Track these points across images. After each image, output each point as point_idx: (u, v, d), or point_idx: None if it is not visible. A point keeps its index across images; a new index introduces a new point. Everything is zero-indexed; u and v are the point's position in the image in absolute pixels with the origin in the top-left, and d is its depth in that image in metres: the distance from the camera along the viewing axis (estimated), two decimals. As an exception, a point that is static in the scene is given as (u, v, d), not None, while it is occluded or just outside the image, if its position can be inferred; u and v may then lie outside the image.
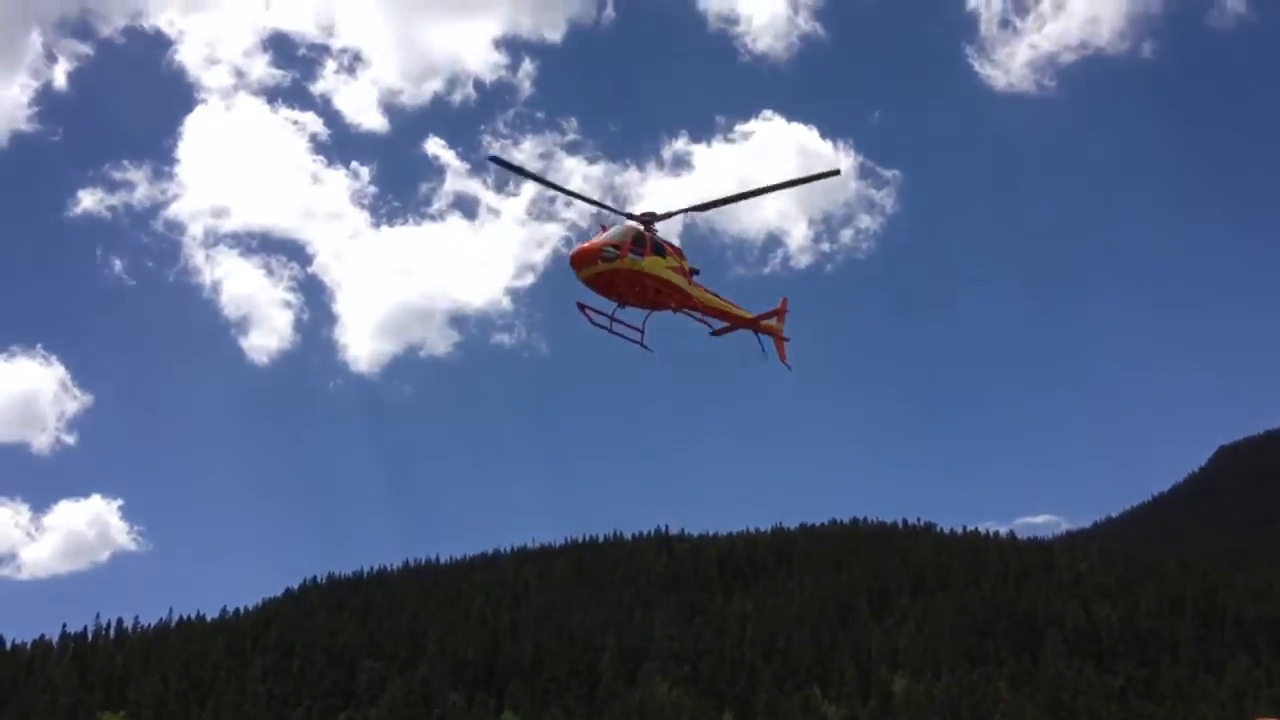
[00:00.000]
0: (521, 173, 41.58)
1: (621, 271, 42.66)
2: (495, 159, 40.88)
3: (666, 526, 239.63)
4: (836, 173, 38.63)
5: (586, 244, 42.86)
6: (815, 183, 39.70)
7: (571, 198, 42.00)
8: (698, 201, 43.07)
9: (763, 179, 63.21)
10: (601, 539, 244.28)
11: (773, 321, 51.01)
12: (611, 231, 43.05)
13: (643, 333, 43.96)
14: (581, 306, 43.76)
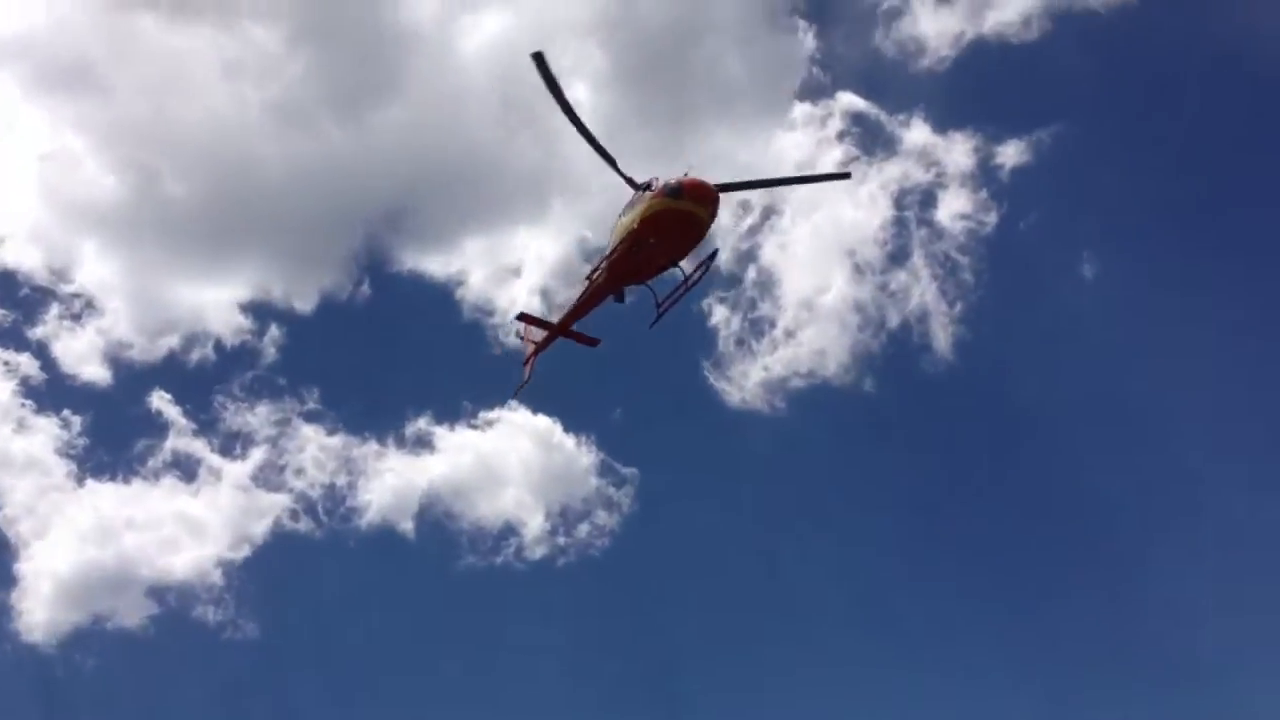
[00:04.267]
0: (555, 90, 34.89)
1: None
2: (538, 57, 32.41)
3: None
4: (848, 175, 36.15)
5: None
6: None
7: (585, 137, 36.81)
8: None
9: (503, 465, 62.40)
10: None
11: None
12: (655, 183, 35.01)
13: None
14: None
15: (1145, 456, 58.33)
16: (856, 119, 66.54)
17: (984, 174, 64.15)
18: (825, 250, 66.24)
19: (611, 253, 35.06)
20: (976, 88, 66.91)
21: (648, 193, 33.87)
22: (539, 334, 39.74)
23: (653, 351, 69.98)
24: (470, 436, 66.85)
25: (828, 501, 63.33)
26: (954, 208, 64.11)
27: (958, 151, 64.62)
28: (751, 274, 66.65)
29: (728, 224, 67.81)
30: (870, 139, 66.70)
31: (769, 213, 67.28)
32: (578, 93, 70.30)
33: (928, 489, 63.08)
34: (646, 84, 70.12)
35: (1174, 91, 64.14)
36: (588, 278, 36.96)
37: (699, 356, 66.70)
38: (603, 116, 69.81)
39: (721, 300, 67.18)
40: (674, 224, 33.48)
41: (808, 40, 68.36)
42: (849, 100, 66.94)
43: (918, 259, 64.15)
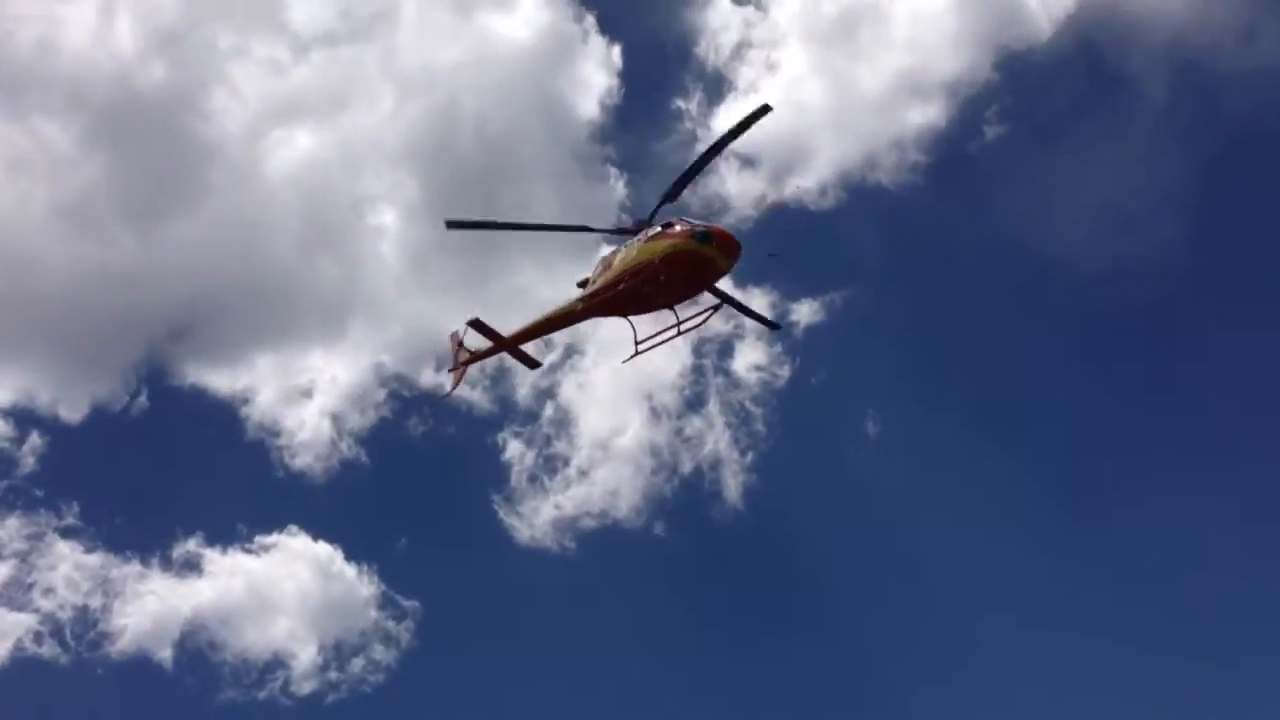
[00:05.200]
0: (485, 226, 36.05)
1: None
2: (453, 223, 32.09)
3: None
4: (768, 109, 33.07)
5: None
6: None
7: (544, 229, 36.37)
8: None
9: (277, 592, 61.17)
10: None
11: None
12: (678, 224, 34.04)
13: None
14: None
15: (920, 607, 60.17)
16: (444, 399, 68.39)
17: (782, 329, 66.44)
18: (624, 392, 67.00)
19: (613, 282, 34.34)
20: (777, 246, 69.91)
21: (670, 230, 33.36)
22: (478, 343, 38.61)
23: (444, 481, 68.67)
24: (243, 561, 63.51)
25: (611, 646, 62.56)
26: (750, 359, 66.11)
27: (756, 306, 66.68)
28: (549, 410, 66.65)
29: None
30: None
31: (571, 351, 67.78)
32: (386, 218, 70.23)
33: (712, 637, 63.21)
34: (455, 214, 70.18)
35: (953, 265, 68.60)
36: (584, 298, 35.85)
37: (490, 490, 65.80)
38: (410, 243, 70.00)
39: (517, 435, 66.75)
40: (694, 268, 33.14)
41: (618, 188, 70.30)
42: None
43: (713, 407, 65.60)
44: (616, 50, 71.46)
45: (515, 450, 66.27)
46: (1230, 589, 56.59)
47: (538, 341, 39.50)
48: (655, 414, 65.82)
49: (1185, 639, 56.51)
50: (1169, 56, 62.89)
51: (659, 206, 34.03)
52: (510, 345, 38.01)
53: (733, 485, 63.76)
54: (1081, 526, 60.64)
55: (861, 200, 67.63)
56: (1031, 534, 60.03)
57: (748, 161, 68.82)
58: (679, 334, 34.77)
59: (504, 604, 64.84)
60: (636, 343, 34.95)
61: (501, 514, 64.94)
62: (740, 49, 70.75)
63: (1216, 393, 62.64)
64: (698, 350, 66.56)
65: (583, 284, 36.72)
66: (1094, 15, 64.56)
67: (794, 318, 66.28)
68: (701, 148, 33.76)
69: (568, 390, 67.21)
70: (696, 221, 33.47)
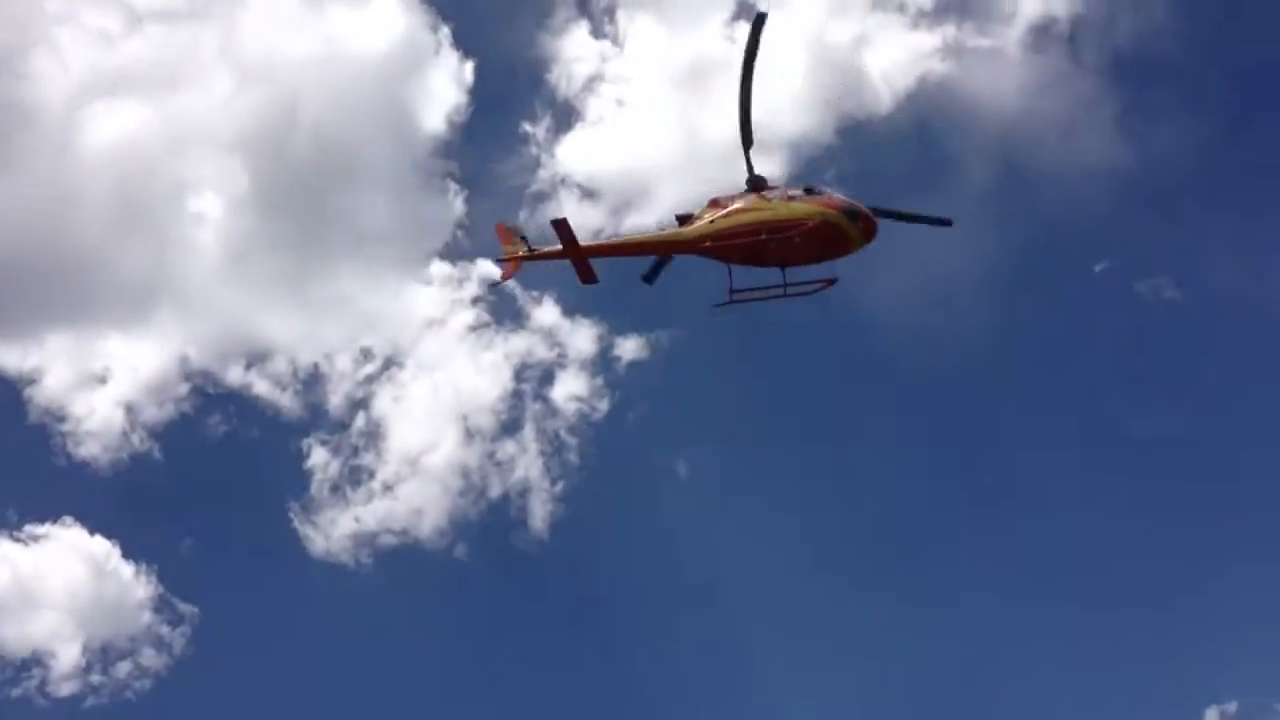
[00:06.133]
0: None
1: None
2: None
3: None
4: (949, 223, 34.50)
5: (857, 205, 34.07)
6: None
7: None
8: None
9: (44, 587, 58.16)
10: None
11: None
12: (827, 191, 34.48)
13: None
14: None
15: (711, 650, 60.39)
16: (493, 287, 67.56)
17: (602, 362, 66.46)
18: (440, 410, 65.60)
19: (747, 230, 33.63)
20: (608, 280, 69.96)
21: (820, 196, 33.62)
22: (528, 245, 36.67)
23: (239, 484, 65.73)
24: (9, 549, 59.30)
25: (398, 669, 60.61)
26: (570, 389, 65.74)
27: (582, 337, 66.83)
28: (360, 421, 64.69)
29: (346, 369, 66.26)
30: (502, 309, 67.77)
31: (390, 363, 66.25)
32: (208, 206, 67.48)
33: (502, 665, 62.01)
34: (284, 211, 68.22)
35: (776, 316, 69.72)
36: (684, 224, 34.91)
37: (287, 497, 63.32)
38: (232, 234, 67.34)
39: (323, 443, 64.54)
40: (834, 241, 33.33)
41: (457, 204, 69.32)
42: (488, 268, 67.69)
43: (529, 433, 64.88)
44: (469, 66, 70.61)
45: (319, 458, 64.10)
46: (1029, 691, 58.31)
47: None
48: (469, 434, 64.71)
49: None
50: (998, 143, 65.93)
51: (747, 151, 34.21)
52: (582, 255, 35.99)
53: (539, 513, 63.05)
54: (882, 581, 61.95)
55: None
56: (832, 589, 61.10)
57: (589, 193, 69.09)
58: (784, 296, 34.42)
59: (289, 617, 62.31)
60: (732, 290, 34.49)
61: (297, 523, 62.58)
62: (593, 81, 71.05)
63: (1007, 461, 64.98)
64: (518, 375, 65.90)
65: (683, 219, 35.81)
66: (932, 96, 67.32)
67: (618, 353, 66.39)
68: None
69: (382, 402, 65.50)
70: (841, 196, 33.76)
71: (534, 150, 70.70)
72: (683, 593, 61.52)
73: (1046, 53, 65.83)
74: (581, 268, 36.48)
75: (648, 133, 69.88)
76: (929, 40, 68.22)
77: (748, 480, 64.14)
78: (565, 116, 71.37)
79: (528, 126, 71.08)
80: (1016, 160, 64.11)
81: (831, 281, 34.39)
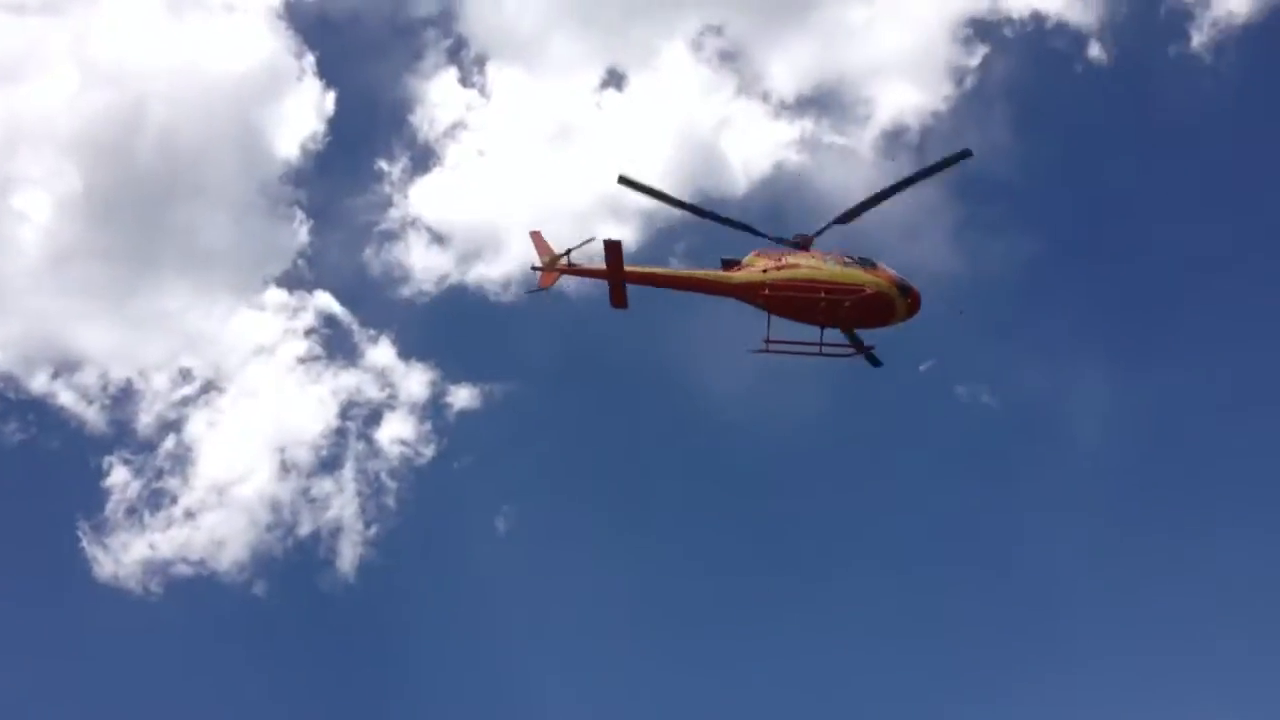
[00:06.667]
0: (657, 195, 35.31)
1: None
2: (626, 180, 34.30)
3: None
4: (969, 153, 34.22)
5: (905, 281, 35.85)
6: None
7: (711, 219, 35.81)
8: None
9: None
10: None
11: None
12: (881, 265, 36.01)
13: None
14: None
15: (510, 707, 58.74)
16: (328, 320, 65.93)
17: (433, 408, 65.25)
18: (257, 439, 63.18)
19: (807, 286, 34.80)
20: (448, 328, 69.09)
21: (876, 268, 35.29)
22: (568, 258, 36.87)
23: (29, 496, 61.85)
24: None
25: (175, 706, 57.24)
26: (397, 431, 64.21)
27: (415, 380, 65.56)
28: (169, 443, 61.86)
29: (162, 388, 63.45)
30: (336, 343, 66.05)
31: (210, 387, 63.75)
32: (34, 204, 64.39)
33: (289, 714, 59.16)
34: (116, 219, 65.75)
35: (615, 380, 69.62)
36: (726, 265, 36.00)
37: (78, 514, 59.80)
38: (56, 237, 64.30)
39: (127, 462, 61.42)
40: (882, 311, 35.13)
41: (301, 233, 67.80)
42: (326, 300, 66.52)
43: (348, 472, 62.92)
44: (331, 96, 69.73)
45: (120, 477, 60.89)
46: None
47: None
48: (285, 468, 62.36)
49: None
50: (842, 237, 67.84)
51: (830, 224, 35.54)
52: (624, 280, 36.09)
53: (349, 555, 60.88)
54: (694, 645, 61.36)
55: (541, 301, 68.05)
56: (628, 654, 60.35)
57: (438, 238, 68.45)
58: (819, 354, 35.72)
59: (64, 639, 58.32)
60: (768, 339, 35.52)
61: (85, 543, 59.02)
62: (455, 129, 70.89)
63: (821, 533, 65.44)
64: (344, 412, 64.10)
65: (729, 263, 36.54)
66: (786, 184, 69.09)
67: (450, 400, 65.26)
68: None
69: (196, 425, 62.79)
70: (893, 270, 35.44)
71: (387, 189, 69.94)
72: (480, 650, 59.90)
73: (896, 158, 68.44)
74: (618, 292, 36.61)
75: (505, 185, 69.91)
76: (788, 131, 70.45)
77: (565, 542, 63.29)
78: (423, 159, 70.96)
79: (384, 164, 70.38)
80: (856, 254, 65.86)
81: (868, 350, 36.32)
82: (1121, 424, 65.00)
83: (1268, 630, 57.68)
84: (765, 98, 71.27)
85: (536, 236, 38.38)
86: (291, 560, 60.52)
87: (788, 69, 71.22)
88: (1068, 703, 57.11)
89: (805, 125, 70.23)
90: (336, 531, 61.24)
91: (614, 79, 71.96)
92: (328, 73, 69.69)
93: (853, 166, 69.16)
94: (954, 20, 69.88)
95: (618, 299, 36.79)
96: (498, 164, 71.21)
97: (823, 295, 34.91)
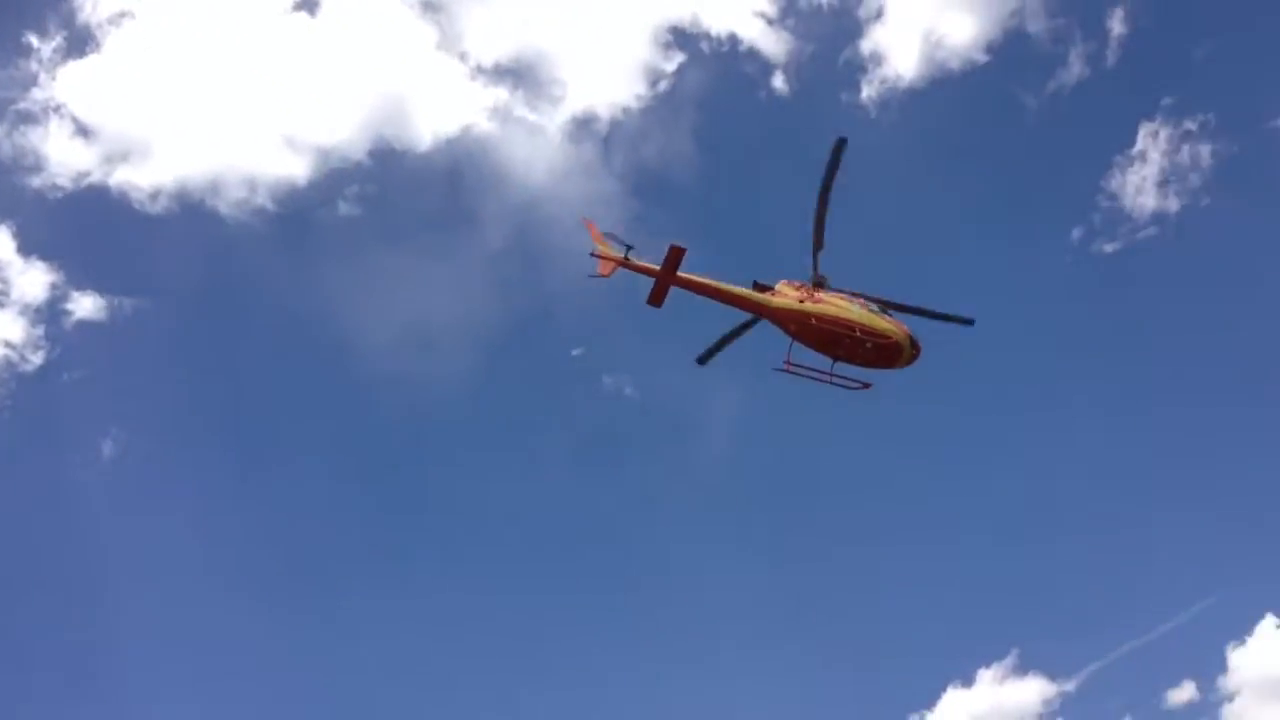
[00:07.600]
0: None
1: None
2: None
3: None
4: (971, 322, 40.61)
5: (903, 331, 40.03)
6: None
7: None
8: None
9: None
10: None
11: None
12: (859, 304, 39.84)
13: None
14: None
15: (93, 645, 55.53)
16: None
17: (49, 313, 60.63)
18: None
19: (844, 323, 38.74)
20: (80, 229, 64.21)
21: (894, 318, 39.61)
22: (626, 247, 38.02)
23: None
24: None
25: None
26: (3, 332, 59.32)
27: (33, 280, 60.84)
28: None
29: None
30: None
31: None
32: None
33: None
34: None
35: (256, 318, 67.08)
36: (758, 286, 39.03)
37: None
38: None
39: None
40: (892, 356, 39.51)
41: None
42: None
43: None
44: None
45: None
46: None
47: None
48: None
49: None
50: (517, 212, 68.49)
51: (816, 255, 38.84)
52: (673, 283, 38.06)
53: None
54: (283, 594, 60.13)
55: (192, 219, 64.68)
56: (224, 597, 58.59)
57: (83, 130, 63.40)
58: (830, 382, 39.55)
59: None
60: (790, 361, 39.07)
61: None
62: (120, 17, 67.35)
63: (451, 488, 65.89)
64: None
65: (761, 286, 39.45)
66: (470, 148, 68.94)
67: (70, 306, 60.74)
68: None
69: None
70: (904, 325, 39.78)
71: (34, 66, 64.29)
72: (59, 580, 56.39)
73: (581, 145, 69.77)
74: (660, 292, 38.11)
75: (167, 90, 65.62)
76: (482, 96, 70.23)
77: (175, 476, 60.52)
78: (80, 42, 65.63)
79: (34, 38, 64.70)
80: (531, 232, 66.96)
81: (868, 385, 40.27)
82: (749, 429, 69.46)
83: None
84: (464, 58, 70.71)
85: (590, 225, 39.47)
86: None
87: (490, 35, 71.03)
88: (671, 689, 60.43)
89: (500, 94, 70.48)
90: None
91: (307, 3, 69.06)
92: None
93: (538, 144, 69.99)
94: (658, 24, 72.21)
95: (658, 296, 38.36)
96: (163, 66, 66.72)
97: (856, 333, 39.07)
